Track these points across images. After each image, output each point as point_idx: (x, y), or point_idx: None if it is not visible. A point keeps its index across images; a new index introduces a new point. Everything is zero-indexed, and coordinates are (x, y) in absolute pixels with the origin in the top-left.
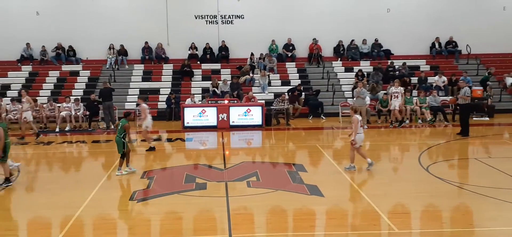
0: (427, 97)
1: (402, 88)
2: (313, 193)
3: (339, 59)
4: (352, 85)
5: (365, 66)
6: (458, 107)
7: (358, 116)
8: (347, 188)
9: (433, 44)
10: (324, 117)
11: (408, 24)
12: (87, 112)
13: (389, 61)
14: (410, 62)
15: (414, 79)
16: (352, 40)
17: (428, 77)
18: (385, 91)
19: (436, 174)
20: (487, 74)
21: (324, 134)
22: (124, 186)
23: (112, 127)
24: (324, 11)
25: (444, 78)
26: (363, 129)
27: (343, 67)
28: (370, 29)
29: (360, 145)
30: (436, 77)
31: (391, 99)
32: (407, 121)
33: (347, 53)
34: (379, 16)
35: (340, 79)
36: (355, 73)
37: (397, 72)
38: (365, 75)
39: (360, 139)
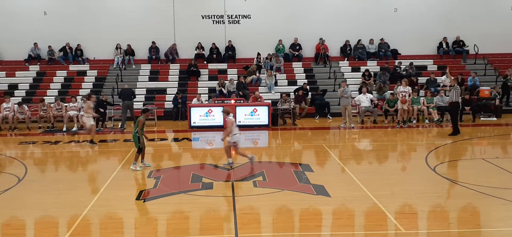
0: (434, 98)
1: (410, 88)
2: (319, 193)
3: (346, 59)
4: (359, 85)
5: (372, 66)
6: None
7: (232, 118)
8: (354, 188)
9: (441, 44)
10: (330, 117)
11: (415, 23)
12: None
13: (396, 61)
14: (417, 62)
15: (421, 79)
16: (359, 40)
17: (436, 78)
18: (392, 91)
19: (443, 174)
20: (509, 78)
21: (330, 133)
22: (131, 185)
23: (125, 127)
24: (331, 11)
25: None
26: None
27: (350, 67)
28: (377, 29)
29: (230, 145)
30: (443, 77)
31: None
32: (414, 121)
33: (354, 53)
34: (386, 15)
35: (347, 79)
36: (362, 73)
37: (404, 72)
38: (372, 75)
39: (235, 138)
